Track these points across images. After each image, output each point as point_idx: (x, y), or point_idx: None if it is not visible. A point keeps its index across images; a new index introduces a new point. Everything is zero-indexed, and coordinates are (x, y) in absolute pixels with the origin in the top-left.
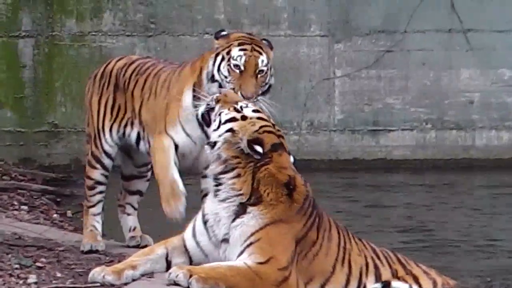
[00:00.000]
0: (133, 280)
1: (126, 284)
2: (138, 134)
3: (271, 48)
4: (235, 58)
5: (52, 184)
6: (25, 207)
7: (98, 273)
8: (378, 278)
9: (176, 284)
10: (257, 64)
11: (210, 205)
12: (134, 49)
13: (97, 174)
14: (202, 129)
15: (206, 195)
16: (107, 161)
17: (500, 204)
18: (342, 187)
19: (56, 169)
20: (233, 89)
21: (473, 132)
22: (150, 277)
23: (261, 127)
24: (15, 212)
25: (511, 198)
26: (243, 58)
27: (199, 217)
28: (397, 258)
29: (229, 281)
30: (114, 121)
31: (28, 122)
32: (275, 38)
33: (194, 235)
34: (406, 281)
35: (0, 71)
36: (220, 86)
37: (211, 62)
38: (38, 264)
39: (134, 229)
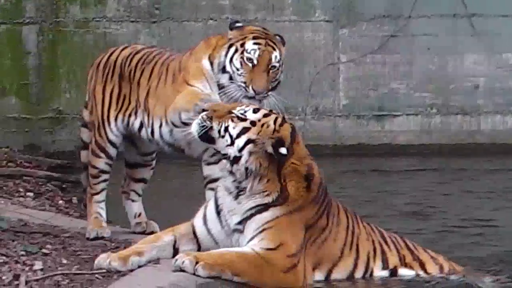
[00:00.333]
0: (139, 266)
1: (131, 270)
2: (141, 122)
3: (283, 44)
4: (248, 51)
5: (58, 170)
6: (31, 194)
7: (103, 259)
8: (385, 263)
9: (182, 270)
10: (270, 59)
11: (227, 201)
12: (138, 35)
13: (101, 163)
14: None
15: (209, 182)
16: (112, 150)
17: (505, 189)
18: (347, 173)
19: (61, 155)
20: (244, 82)
21: (478, 117)
22: (156, 264)
23: (274, 123)
24: (21, 199)
25: None
26: (257, 52)
27: (211, 205)
28: (404, 243)
29: (236, 268)
30: (120, 111)
31: (33, 109)
32: (279, 24)
33: (205, 223)
34: (412, 268)
35: (5, 58)
36: (231, 78)
37: (223, 53)
38: (44, 250)
39: (139, 215)
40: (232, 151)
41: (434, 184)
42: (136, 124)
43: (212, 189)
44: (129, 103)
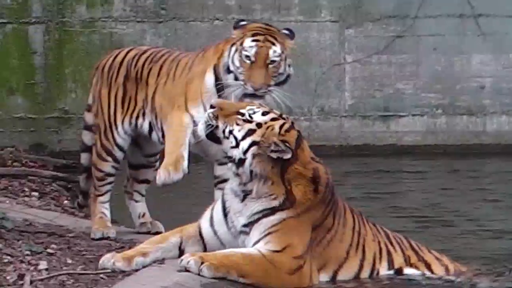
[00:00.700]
0: (143, 267)
1: (136, 270)
2: (150, 124)
3: (292, 37)
4: (246, 49)
5: (63, 170)
6: (36, 194)
7: (108, 259)
8: (390, 264)
9: (187, 270)
10: (267, 55)
11: (234, 204)
12: (144, 35)
13: (108, 166)
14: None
15: (220, 182)
16: (119, 154)
17: (510, 190)
18: (353, 173)
19: (67, 155)
20: (243, 80)
21: (484, 117)
22: (161, 264)
23: (280, 127)
24: (26, 199)
25: None
26: (254, 49)
27: (217, 207)
28: (409, 244)
29: (242, 269)
30: (126, 113)
31: (39, 109)
32: (285, 24)
33: (211, 224)
34: (418, 269)
35: (11, 57)
36: (236, 78)
37: (227, 53)
38: (49, 250)
39: (144, 215)
40: (237, 153)
41: (439, 184)
42: (145, 126)
43: (221, 189)
44: (135, 105)
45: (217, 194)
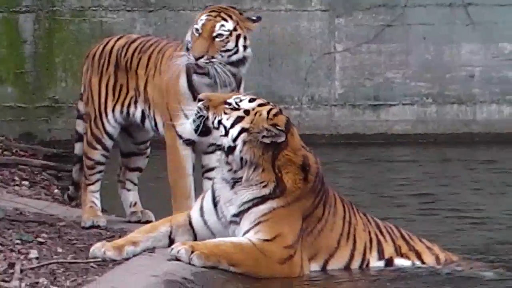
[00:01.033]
0: (134, 256)
1: (127, 259)
2: (143, 112)
3: (256, 21)
4: (197, 22)
5: (53, 159)
6: (26, 183)
7: (98, 248)
8: (381, 254)
9: (177, 259)
10: (213, 27)
11: (224, 192)
12: (134, 24)
13: (97, 154)
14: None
15: (207, 171)
16: (108, 142)
17: (499, 179)
18: (343, 162)
19: (57, 144)
20: (188, 51)
21: (474, 106)
22: (151, 253)
23: (268, 112)
24: (16, 188)
25: (509, 174)
26: (201, 22)
27: (207, 196)
28: (400, 233)
29: (232, 258)
30: (117, 101)
31: (29, 98)
32: (275, 13)
33: (202, 214)
34: (408, 258)
35: (1, 46)
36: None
37: (188, 34)
38: (39, 239)
39: (135, 204)
40: (227, 141)
41: (429, 173)
42: (138, 115)
43: (209, 178)
44: (127, 93)
45: (206, 184)
